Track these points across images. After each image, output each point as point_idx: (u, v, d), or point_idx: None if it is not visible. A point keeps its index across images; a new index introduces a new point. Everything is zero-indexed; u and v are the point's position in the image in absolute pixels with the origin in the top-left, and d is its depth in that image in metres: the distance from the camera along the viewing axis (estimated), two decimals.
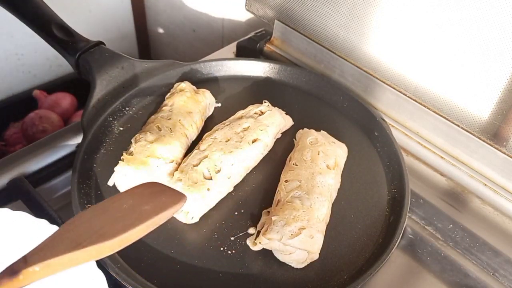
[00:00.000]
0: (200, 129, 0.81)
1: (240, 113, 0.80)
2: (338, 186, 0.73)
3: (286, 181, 0.70)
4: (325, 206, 0.67)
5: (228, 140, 0.73)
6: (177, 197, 0.51)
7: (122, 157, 0.70)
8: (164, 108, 0.79)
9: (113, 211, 0.48)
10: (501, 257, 0.71)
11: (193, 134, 0.78)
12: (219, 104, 0.88)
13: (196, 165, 0.69)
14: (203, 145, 0.73)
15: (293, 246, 0.62)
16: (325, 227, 0.67)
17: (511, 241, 0.73)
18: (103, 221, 0.46)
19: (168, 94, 0.83)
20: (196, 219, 0.68)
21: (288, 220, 0.63)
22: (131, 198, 0.50)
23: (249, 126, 0.76)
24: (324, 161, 0.72)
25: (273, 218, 0.64)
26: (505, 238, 0.74)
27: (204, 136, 0.76)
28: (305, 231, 0.62)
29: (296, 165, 0.72)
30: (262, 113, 0.80)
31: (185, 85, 0.83)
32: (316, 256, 0.64)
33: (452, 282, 0.68)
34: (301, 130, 0.80)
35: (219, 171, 0.69)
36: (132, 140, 0.73)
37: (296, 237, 0.62)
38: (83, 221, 0.47)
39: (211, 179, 0.68)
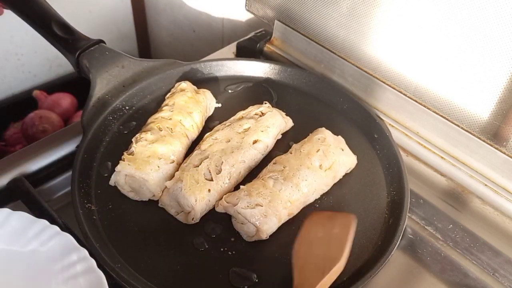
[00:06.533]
0: (201, 129, 0.81)
1: (240, 113, 0.80)
2: (323, 191, 0.73)
3: (274, 163, 0.72)
4: (292, 197, 0.68)
5: (229, 140, 0.73)
6: (350, 217, 0.63)
7: (122, 157, 0.69)
8: (164, 108, 0.78)
9: (317, 240, 0.61)
10: (501, 257, 0.71)
11: (193, 134, 0.78)
12: (219, 104, 0.88)
13: (197, 166, 0.69)
14: (204, 145, 0.73)
15: (243, 216, 0.65)
16: (287, 218, 0.68)
17: (511, 241, 0.73)
18: (320, 250, 0.60)
19: (169, 93, 0.83)
20: (196, 219, 0.68)
21: (251, 193, 0.66)
22: (318, 227, 0.63)
23: (249, 127, 0.76)
24: (319, 160, 0.72)
25: (241, 186, 0.68)
26: (505, 238, 0.74)
27: (205, 137, 0.76)
28: (260, 208, 0.65)
29: (291, 153, 0.73)
30: (262, 114, 0.79)
31: (186, 85, 0.83)
32: (263, 236, 0.65)
33: (452, 282, 0.68)
34: (320, 128, 0.79)
35: (220, 171, 0.69)
36: (133, 140, 0.72)
37: (249, 209, 0.64)
38: (307, 255, 0.60)
39: (212, 179, 0.68)
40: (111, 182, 0.71)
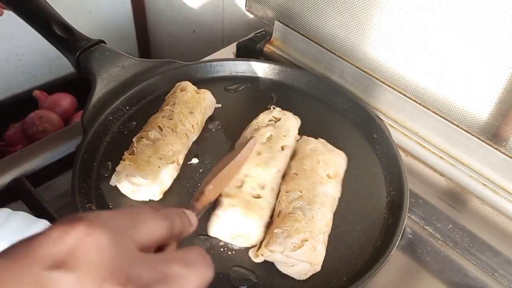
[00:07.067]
0: (201, 129, 0.81)
1: (254, 123, 0.79)
2: (339, 195, 0.72)
3: (287, 191, 0.68)
4: (327, 216, 0.66)
5: (260, 153, 0.72)
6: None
7: (123, 157, 0.69)
8: (165, 108, 0.79)
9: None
10: (501, 257, 0.71)
11: (193, 134, 0.78)
12: (219, 105, 0.88)
13: (240, 186, 0.67)
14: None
15: (295, 259, 0.61)
16: (327, 237, 0.66)
17: (511, 241, 0.74)
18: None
19: (169, 93, 0.83)
20: (254, 242, 0.66)
21: (290, 232, 0.62)
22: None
23: (271, 135, 0.75)
24: (324, 170, 0.71)
25: (275, 230, 0.63)
26: (504, 238, 0.74)
27: None
28: (307, 243, 0.61)
29: (296, 175, 0.70)
30: (276, 119, 0.79)
31: (186, 85, 0.83)
32: (318, 268, 0.62)
33: (451, 282, 0.68)
34: (303, 137, 0.79)
35: (263, 187, 0.68)
36: (134, 140, 0.72)
37: (298, 249, 0.60)
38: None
39: (258, 197, 0.67)
40: (112, 182, 0.71)
